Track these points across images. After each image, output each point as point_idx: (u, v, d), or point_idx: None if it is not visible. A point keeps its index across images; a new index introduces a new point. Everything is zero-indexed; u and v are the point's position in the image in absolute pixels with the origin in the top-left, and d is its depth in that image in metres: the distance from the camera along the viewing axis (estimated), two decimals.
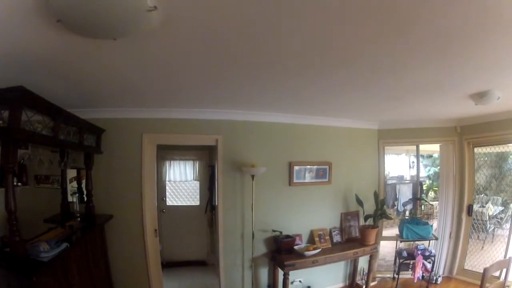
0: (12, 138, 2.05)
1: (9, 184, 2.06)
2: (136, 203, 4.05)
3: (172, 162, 6.28)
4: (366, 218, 4.88)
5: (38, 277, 2.15)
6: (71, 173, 3.79)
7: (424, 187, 8.81)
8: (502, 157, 5.23)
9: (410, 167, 8.54)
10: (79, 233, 3.22)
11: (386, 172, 5.87)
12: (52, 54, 2.06)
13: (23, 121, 2.14)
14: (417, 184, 6.11)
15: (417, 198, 6.03)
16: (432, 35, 1.91)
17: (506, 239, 4.55)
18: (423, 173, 9.31)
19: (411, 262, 5.06)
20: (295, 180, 4.76)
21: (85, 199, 3.69)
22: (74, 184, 3.84)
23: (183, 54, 2.21)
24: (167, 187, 6.34)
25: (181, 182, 6.43)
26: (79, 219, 3.59)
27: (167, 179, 6.28)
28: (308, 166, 4.87)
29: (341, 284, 5.19)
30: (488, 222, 5.48)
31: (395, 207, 6.07)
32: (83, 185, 3.79)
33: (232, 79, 2.88)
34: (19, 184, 2.83)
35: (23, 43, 1.87)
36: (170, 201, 6.39)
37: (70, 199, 3.68)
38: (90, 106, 3.73)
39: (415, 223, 5.11)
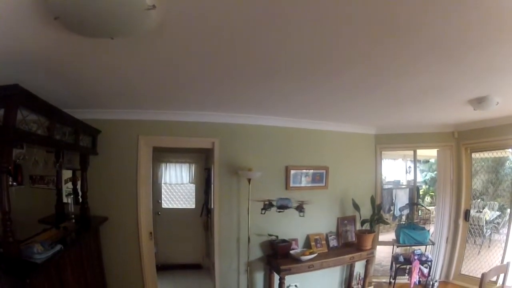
0: (7, 137, 2.02)
1: (4, 184, 2.03)
2: (131, 206, 4.01)
3: (168, 164, 6.26)
4: (362, 223, 4.85)
5: (32, 279, 2.10)
6: (67, 174, 3.75)
7: (421, 192, 8.83)
8: (499, 162, 5.22)
9: (406, 172, 8.53)
10: (73, 235, 3.18)
11: (382, 177, 5.87)
12: (49, 52, 2.04)
13: (19, 120, 2.12)
14: (413, 189, 6.11)
15: (413, 203, 6.03)
16: (434, 40, 1.91)
17: (503, 244, 4.54)
18: (420, 178, 9.29)
19: (408, 267, 5.05)
20: (291, 185, 4.74)
21: (80, 200, 3.65)
22: (69, 185, 3.79)
23: (182, 55, 2.19)
24: (162, 190, 6.31)
25: (177, 185, 6.39)
26: (73, 220, 3.55)
27: (163, 181, 6.24)
28: (305, 171, 4.85)
29: None
30: (484, 227, 5.48)
31: (392, 212, 6.06)
32: (78, 187, 3.76)
33: (230, 83, 2.87)
34: (14, 183, 2.80)
35: (20, 40, 1.84)
36: (166, 203, 6.36)
37: (65, 200, 3.64)
38: (86, 107, 3.70)
39: (412, 228, 5.10)
